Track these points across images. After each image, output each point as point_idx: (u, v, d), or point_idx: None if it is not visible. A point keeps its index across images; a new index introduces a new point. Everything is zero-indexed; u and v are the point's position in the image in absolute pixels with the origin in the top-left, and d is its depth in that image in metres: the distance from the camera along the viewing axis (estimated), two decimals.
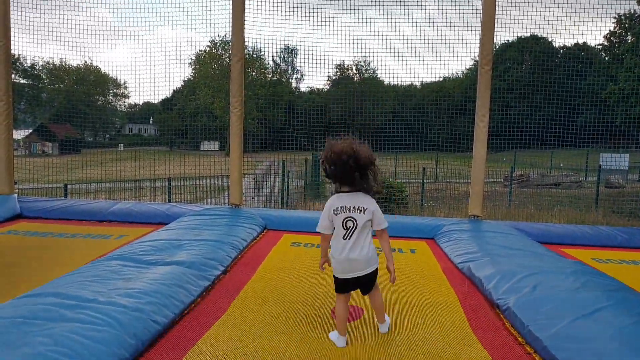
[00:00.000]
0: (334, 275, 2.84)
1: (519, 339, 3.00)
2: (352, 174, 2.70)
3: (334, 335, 2.88)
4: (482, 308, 3.59)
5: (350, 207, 2.74)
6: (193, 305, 3.40)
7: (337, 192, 2.82)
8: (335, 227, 2.78)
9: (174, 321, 3.05)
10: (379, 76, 29.58)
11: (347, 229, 2.74)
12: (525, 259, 4.36)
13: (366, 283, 2.83)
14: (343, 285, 2.81)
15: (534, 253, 4.70)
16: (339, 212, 2.75)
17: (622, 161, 16.88)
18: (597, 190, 13.41)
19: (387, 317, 3.10)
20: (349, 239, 2.73)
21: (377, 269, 2.84)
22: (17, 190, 7.67)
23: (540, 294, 3.34)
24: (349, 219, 2.74)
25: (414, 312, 3.43)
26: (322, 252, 2.96)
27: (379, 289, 2.97)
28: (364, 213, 2.75)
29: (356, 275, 2.76)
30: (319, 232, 2.88)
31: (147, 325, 2.78)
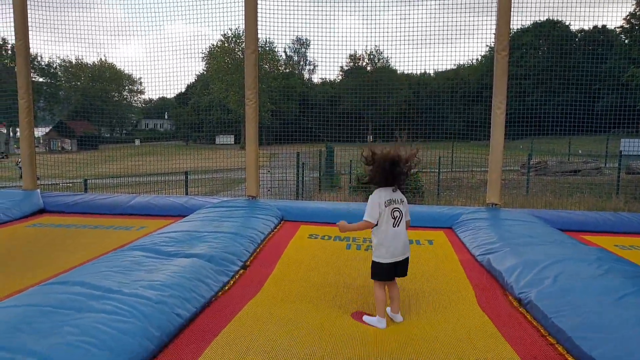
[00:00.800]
0: (376, 263, 3.17)
1: (542, 331, 2.94)
2: (402, 178, 3.15)
3: (372, 319, 3.14)
4: (502, 302, 3.53)
5: (396, 199, 3.16)
6: (214, 299, 3.43)
7: (379, 186, 3.17)
8: (385, 217, 3.11)
9: (195, 314, 3.09)
10: (391, 65, 29.31)
11: (394, 218, 3.13)
12: (546, 247, 4.30)
13: (405, 265, 3.22)
14: (388, 271, 3.15)
15: (555, 241, 4.62)
16: (389, 204, 3.12)
17: None
18: (618, 176, 13.16)
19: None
20: (397, 226, 3.14)
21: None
22: (40, 185, 7.84)
23: (562, 283, 3.29)
24: (395, 209, 3.14)
25: (432, 308, 3.40)
26: (350, 229, 3.25)
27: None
28: (403, 205, 3.19)
29: (401, 259, 3.16)
30: (365, 220, 3.14)
31: (171, 318, 2.82)
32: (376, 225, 3.13)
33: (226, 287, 3.69)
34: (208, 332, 2.87)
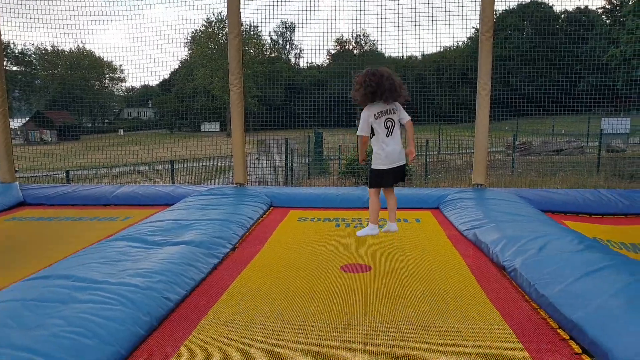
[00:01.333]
0: (374, 170, 3.51)
1: (526, 296, 3.08)
2: (389, 92, 3.39)
3: (365, 229, 3.62)
4: (489, 270, 3.67)
5: (387, 109, 3.46)
6: (204, 280, 3.46)
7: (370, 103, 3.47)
8: (378, 128, 3.44)
9: (185, 296, 3.11)
10: (378, 49, 29.16)
11: (387, 127, 3.45)
12: (530, 224, 4.40)
13: (402, 172, 3.55)
14: (385, 176, 3.49)
15: (538, 220, 4.71)
16: (379, 115, 3.43)
17: (624, 125, 16.77)
18: (599, 154, 13.39)
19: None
20: (391, 135, 3.46)
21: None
22: (19, 178, 7.68)
23: (545, 255, 3.40)
24: (388, 119, 3.45)
25: (423, 277, 3.49)
26: (361, 152, 3.64)
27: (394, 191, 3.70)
28: (395, 113, 3.48)
29: (398, 165, 3.48)
30: (358, 135, 3.51)
31: (160, 302, 2.83)
32: (373, 136, 3.46)
33: (214, 269, 3.72)
34: (198, 310, 2.91)
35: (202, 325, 2.68)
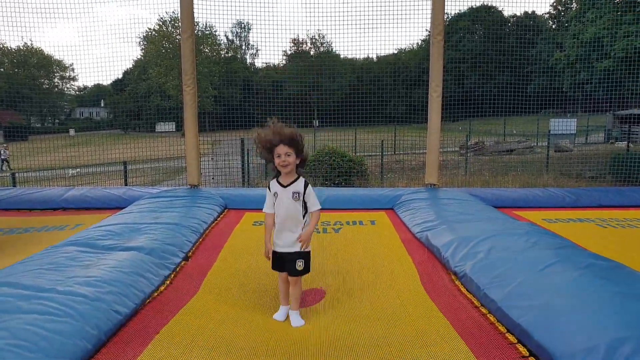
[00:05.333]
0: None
1: (475, 302, 3.14)
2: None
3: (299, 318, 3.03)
4: (439, 277, 3.71)
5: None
6: (156, 294, 3.30)
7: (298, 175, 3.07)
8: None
9: (135, 310, 2.97)
10: (334, 50, 29.35)
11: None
12: (480, 224, 4.53)
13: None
14: None
15: (488, 217, 4.89)
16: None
17: (570, 126, 17.65)
18: (548, 154, 14.03)
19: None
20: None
21: None
22: None
23: (494, 257, 3.49)
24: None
25: (376, 293, 3.46)
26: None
27: None
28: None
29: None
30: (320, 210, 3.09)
31: (109, 315, 2.70)
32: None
33: (167, 281, 3.58)
34: (149, 328, 2.78)
35: (154, 345, 2.56)
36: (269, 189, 3.07)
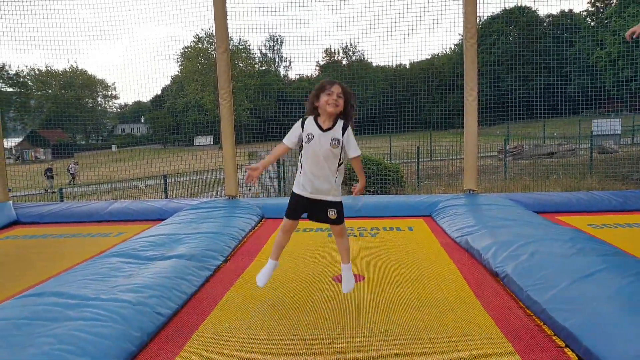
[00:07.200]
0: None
1: (520, 303, 3.07)
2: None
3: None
4: (482, 277, 3.66)
5: None
6: (196, 292, 3.44)
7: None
8: None
9: (178, 310, 3.10)
10: (366, 58, 29.43)
11: None
12: (522, 229, 4.40)
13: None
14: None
15: (530, 222, 4.73)
16: None
17: (615, 126, 16.94)
18: (591, 156, 13.48)
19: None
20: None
21: None
22: (12, 197, 7.66)
23: (537, 260, 3.39)
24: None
25: (416, 286, 3.48)
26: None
27: None
28: None
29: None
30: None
31: (152, 318, 2.81)
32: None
33: (206, 281, 3.71)
34: (190, 323, 2.89)
35: (194, 339, 2.67)
36: (303, 126, 2.84)
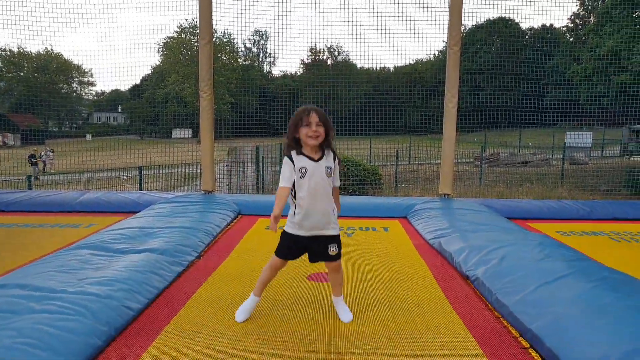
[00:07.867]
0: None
1: (489, 305, 3.15)
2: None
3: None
4: (453, 279, 3.74)
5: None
6: (166, 288, 3.39)
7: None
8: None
9: (147, 305, 3.04)
10: (351, 60, 29.51)
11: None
12: (493, 234, 4.49)
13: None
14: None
15: (502, 228, 4.83)
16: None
17: (586, 139, 17.45)
18: (563, 167, 13.86)
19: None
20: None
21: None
22: None
23: (506, 264, 3.48)
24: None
25: (388, 286, 3.52)
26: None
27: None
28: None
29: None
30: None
31: (120, 312, 2.75)
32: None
33: (178, 277, 3.66)
34: (160, 319, 2.85)
35: (164, 335, 2.63)
36: (292, 162, 2.68)
